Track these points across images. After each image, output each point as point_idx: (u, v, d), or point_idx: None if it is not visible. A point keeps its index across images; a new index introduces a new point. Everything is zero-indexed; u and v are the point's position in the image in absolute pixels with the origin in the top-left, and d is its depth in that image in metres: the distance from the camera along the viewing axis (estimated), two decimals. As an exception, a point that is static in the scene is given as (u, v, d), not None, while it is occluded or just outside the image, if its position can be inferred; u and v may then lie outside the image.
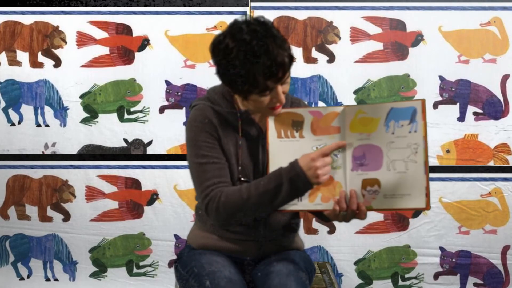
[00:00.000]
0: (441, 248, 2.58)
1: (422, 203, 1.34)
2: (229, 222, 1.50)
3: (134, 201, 2.57)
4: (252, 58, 1.34)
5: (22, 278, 2.62)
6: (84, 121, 2.54)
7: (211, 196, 1.43)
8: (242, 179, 1.51)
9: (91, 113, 2.53)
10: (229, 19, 1.48)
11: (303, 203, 1.43)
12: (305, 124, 1.44)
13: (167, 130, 2.53)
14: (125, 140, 2.54)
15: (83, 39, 2.51)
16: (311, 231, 2.57)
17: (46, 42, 2.51)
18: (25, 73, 2.53)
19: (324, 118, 1.44)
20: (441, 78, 2.52)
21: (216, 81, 1.64)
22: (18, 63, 2.52)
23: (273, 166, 1.44)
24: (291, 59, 1.40)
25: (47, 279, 2.62)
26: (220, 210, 1.42)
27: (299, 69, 2.51)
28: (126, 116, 2.53)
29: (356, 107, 1.42)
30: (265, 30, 1.36)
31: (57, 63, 2.52)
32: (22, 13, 2.51)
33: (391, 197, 1.37)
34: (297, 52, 2.50)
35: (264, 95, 1.40)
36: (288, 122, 1.45)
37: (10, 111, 2.54)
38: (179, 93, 2.52)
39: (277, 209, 1.44)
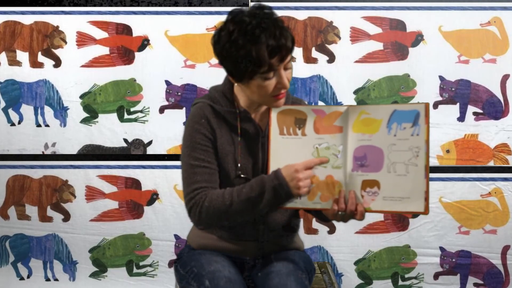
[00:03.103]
0: (441, 248, 2.58)
1: (421, 207, 1.34)
2: (210, 226, 1.53)
3: (134, 201, 2.57)
4: (254, 36, 1.35)
5: (22, 278, 2.62)
6: (84, 121, 2.54)
7: (196, 200, 1.45)
8: (242, 175, 1.52)
9: (91, 113, 2.53)
10: (229, 19, 1.49)
11: (302, 201, 1.43)
12: (308, 122, 1.44)
13: (167, 130, 2.53)
14: (125, 140, 2.54)
15: (83, 39, 2.51)
16: (311, 231, 2.57)
17: (46, 42, 2.51)
18: (25, 73, 2.52)
19: (327, 117, 1.44)
20: (441, 78, 2.51)
21: (216, 81, 1.65)
22: (18, 63, 2.52)
23: (273, 163, 1.45)
24: (293, 41, 1.42)
25: (47, 279, 2.62)
26: (202, 215, 1.44)
27: (299, 69, 2.50)
28: (126, 116, 2.53)
29: (360, 108, 1.42)
30: (264, 13, 1.39)
31: (57, 63, 2.52)
32: (22, 13, 2.51)
33: (390, 200, 1.37)
34: (297, 52, 2.50)
35: (268, 78, 1.40)
36: (291, 120, 1.45)
37: (10, 111, 2.54)
38: (179, 93, 2.52)
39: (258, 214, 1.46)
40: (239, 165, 1.52)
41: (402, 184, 1.36)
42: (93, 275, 2.61)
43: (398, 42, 2.51)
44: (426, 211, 1.34)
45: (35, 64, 2.52)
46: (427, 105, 1.35)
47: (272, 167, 1.45)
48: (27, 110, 2.54)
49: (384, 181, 1.37)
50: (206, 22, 2.49)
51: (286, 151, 1.44)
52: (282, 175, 1.38)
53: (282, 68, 1.41)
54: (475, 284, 2.60)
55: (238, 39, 1.37)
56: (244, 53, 1.36)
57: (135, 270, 2.60)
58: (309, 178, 1.38)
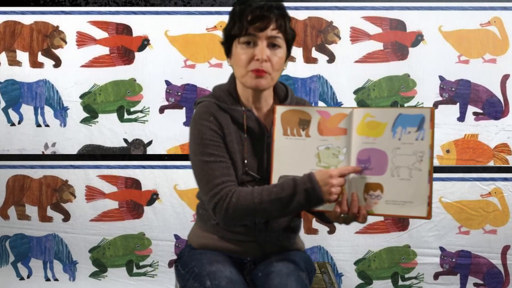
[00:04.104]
0: (441, 248, 2.58)
1: (424, 212, 1.34)
2: (236, 223, 1.50)
3: (134, 201, 2.57)
4: (246, 1, 1.46)
5: (22, 278, 2.62)
6: (84, 121, 2.54)
7: (221, 195, 1.43)
8: (249, 172, 1.51)
9: (91, 113, 2.53)
10: (229, 19, 1.49)
11: None
12: (312, 123, 1.44)
13: (167, 130, 2.53)
14: (125, 140, 2.54)
15: (83, 39, 2.51)
16: (311, 231, 2.57)
17: (46, 42, 2.51)
18: (25, 73, 2.52)
19: (331, 118, 1.43)
20: (441, 78, 2.52)
21: (216, 81, 1.65)
22: (18, 63, 2.52)
23: (276, 163, 1.45)
24: (282, 18, 1.46)
25: (47, 279, 2.62)
26: (229, 210, 1.42)
27: (299, 69, 2.51)
28: (126, 116, 2.53)
29: (365, 110, 1.41)
30: None
31: (57, 63, 2.52)
32: (22, 13, 2.51)
33: (392, 204, 1.37)
34: (297, 52, 2.50)
35: (245, 44, 1.45)
36: (295, 120, 1.45)
37: (10, 111, 2.54)
38: (179, 93, 2.52)
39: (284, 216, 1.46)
40: (245, 161, 1.52)
41: (405, 189, 1.36)
42: (93, 275, 2.61)
43: (398, 42, 2.51)
44: (428, 216, 1.34)
45: (35, 64, 2.52)
46: (432, 110, 1.35)
47: (275, 168, 1.45)
48: (27, 110, 2.54)
49: (387, 185, 1.37)
50: (206, 22, 2.49)
51: (289, 152, 1.44)
52: (316, 179, 1.37)
53: (264, 42, 1.44)
54: (475, 284, 2.61)
55: (234, 8, 1.48)
56: (232, 15, 1.48)
57: (135, 270, 2.60)
58: (341, 185, 1.38)
